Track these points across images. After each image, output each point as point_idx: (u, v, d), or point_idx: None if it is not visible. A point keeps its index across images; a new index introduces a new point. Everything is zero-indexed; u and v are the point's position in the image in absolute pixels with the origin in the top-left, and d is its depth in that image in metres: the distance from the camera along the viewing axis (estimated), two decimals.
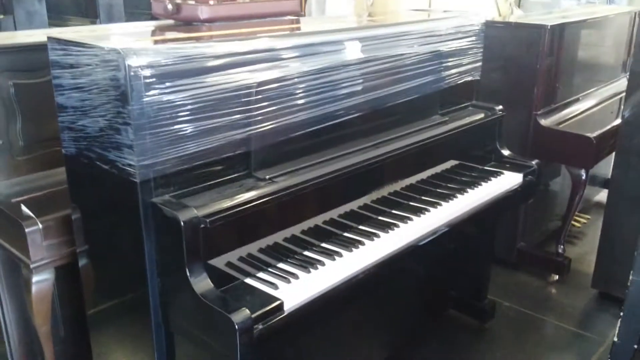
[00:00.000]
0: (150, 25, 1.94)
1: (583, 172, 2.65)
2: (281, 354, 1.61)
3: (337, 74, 1.71)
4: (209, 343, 1.37)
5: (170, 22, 1.82)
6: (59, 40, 1.43)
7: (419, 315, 2.50)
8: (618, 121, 2.86)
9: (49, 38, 1.46)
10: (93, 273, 1.68)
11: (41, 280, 1.74)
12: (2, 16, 3.98)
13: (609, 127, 2.76)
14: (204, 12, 1.73)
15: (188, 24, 1.78)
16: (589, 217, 3.41)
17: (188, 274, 1.33)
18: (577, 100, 3.05)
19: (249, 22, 1.82)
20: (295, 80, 1.59)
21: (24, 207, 1.74)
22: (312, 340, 1.91)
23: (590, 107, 3.10)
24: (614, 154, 2.88)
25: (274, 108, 1.55)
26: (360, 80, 1.78)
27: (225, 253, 1.45)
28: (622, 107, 3.27)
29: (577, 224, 3.20)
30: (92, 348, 1.78)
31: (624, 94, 3.42)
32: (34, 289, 1.74)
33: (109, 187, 1.45)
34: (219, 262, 1.44)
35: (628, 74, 3.59)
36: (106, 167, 1.42)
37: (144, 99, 1.29)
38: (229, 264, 1.47)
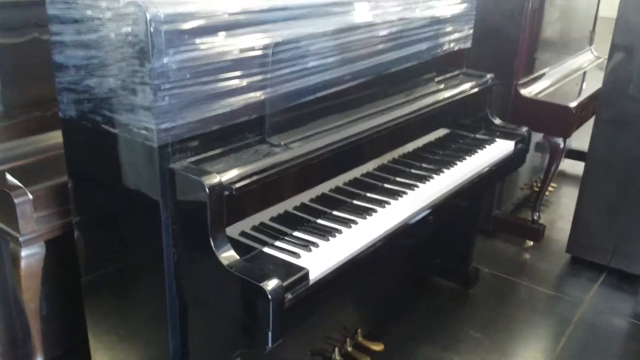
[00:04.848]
0: None
1: (561, 141, 2.72)
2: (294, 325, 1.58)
3: (344, 38, 1.65)
4: (231, 314, 1.32)
5: None
6: None
7: (405, 283, 2.52)
8: (590, 92, 2.94)
9: None
10: (90, 245, 1.58)
11: (31, 255, 1.63)
12: None
13: (583, 98, 2.83)
14: None
15: None
16: (555, 185, 3.53)
17: (212, 244, 1.26)
18: (549, 71, 3.11)
19: None
20: (310, 42, 1.53)
21: (9, 176, 1.61)
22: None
23: (560, 79, 3.17)
24: (584, 125, 2.98)
25: (289, 70, 1.49)
26: (368, 45, 1.73)
27: (240, 221, 1.39)
28: (585, 80, 3.37)
29: (546, 192, 3.29)
30: (88, 323, 1.68)
31: (587, 67, 3.54)
32: (23, 263, 1.62)
33: (118, 153, 1.35)
34: (232, 231, 1.38)
35: (593, 47, 3.70)
36: (116, 131, 1.33)
37: (165, 57, 1.20)
38: (243, 234, 1.41)
